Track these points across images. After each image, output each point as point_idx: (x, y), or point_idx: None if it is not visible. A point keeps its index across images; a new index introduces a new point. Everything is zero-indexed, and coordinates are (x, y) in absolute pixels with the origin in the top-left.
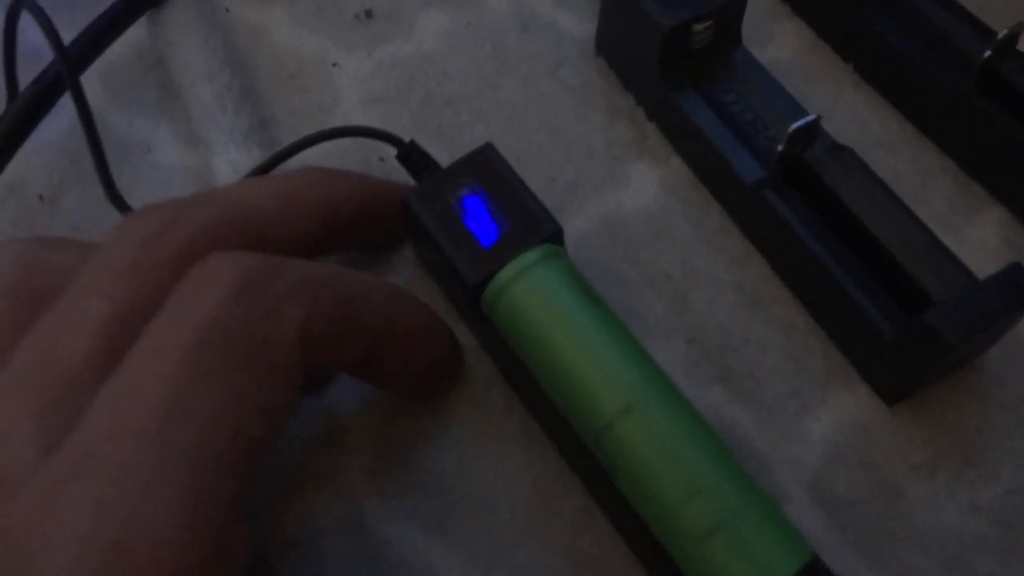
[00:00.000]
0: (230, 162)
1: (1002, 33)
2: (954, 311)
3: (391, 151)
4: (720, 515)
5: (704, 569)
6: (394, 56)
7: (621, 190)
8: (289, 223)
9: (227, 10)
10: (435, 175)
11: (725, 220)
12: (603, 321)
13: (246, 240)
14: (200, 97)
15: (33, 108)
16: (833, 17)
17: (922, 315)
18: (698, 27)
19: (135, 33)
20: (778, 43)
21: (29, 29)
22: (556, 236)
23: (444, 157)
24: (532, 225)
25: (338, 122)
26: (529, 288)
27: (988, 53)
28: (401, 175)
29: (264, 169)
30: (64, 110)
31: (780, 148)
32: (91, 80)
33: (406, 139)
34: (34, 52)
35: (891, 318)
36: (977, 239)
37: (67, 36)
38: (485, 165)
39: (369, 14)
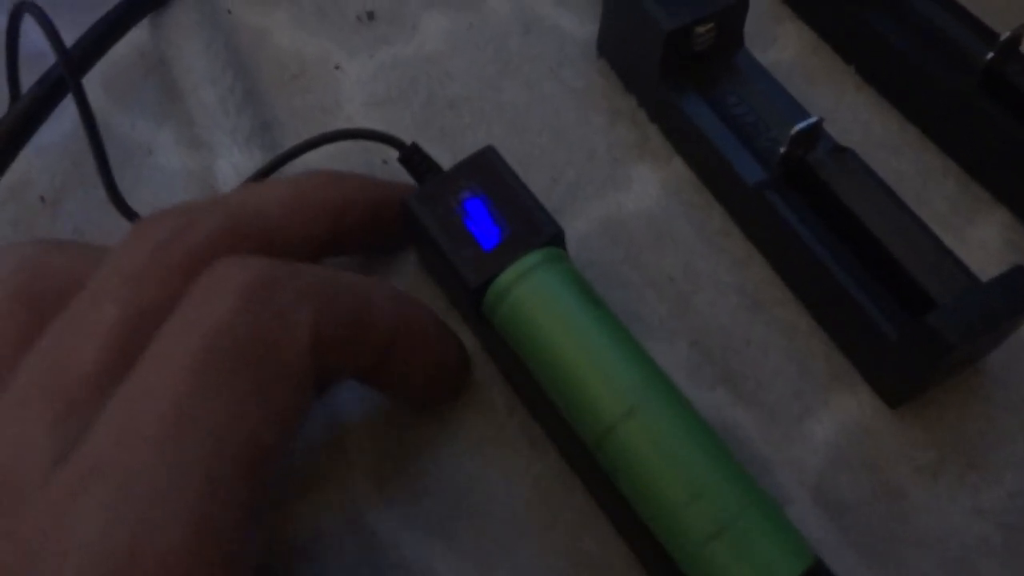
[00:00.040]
0: (232, 164)
1: (1005, 35)
2: (956, 313)
3: (394, 153)
4: (722, 518)
5: (706, 572)
6: (396, 58)
7: (623, 192)
8: (298, 227)
9: (229, 12)
10: (436, 178)
11: (727, 222)
12: (605, 323)
13: (255, 245)
14: (202, 99)
15: (35, 110)
16: (835, 19)
17: (924, 317)
18: (700, 29)
19: (137, 35)
20: (780, 45)
21: (31, 31)
22: (557, 238)
23: (446, 159)
24: (533, 228)
25: (340, 124)
26: (530, 291)
27: (991, 55)
28: (404, 177)
29: (266, 172)
30: (66, 112)
31: (782, 150)
32: (93, 82)
33: (408, 141)
34: (36, 54)
35: (893, 320)
36: (979, 240)
37: (69, 38)
38: (486, 168)
39: (371, 16)
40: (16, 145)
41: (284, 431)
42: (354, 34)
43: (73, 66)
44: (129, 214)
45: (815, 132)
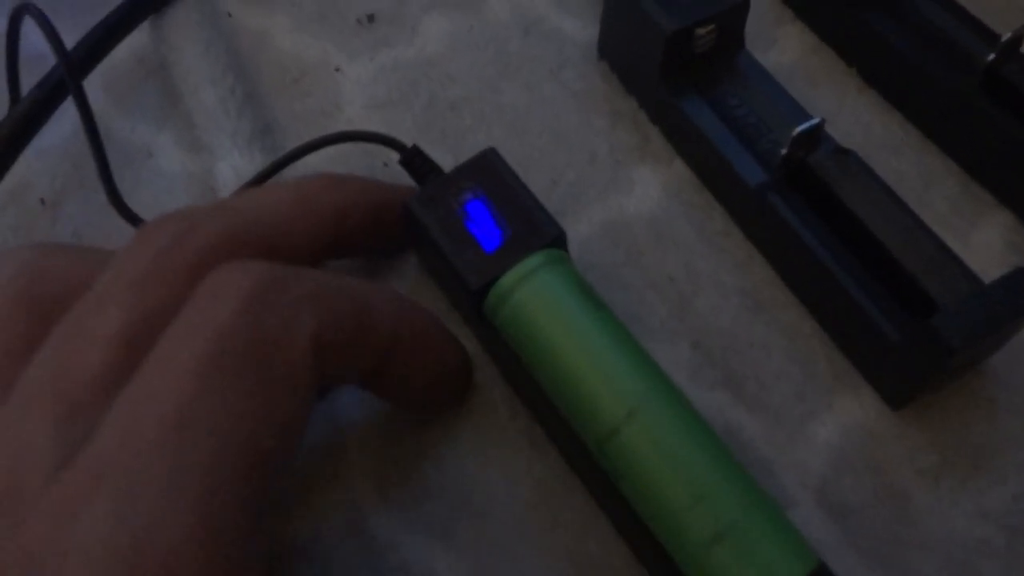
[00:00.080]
0: (233, 167)
1: (1006, 36)
2: (959, 316)
3: (394, 155)
4: (724, 520)
5: (708, 575)
6: (396, 60)
7: (624, 194)
8: (300, 231)
9: (229, 15)
10: (437, 180)
11: (728, 224)
12: (606, 325)
13: (258, 250)
14: (203, 102)
15: (36, 113)
16: (836, 20)
17: (928, 320)
18: (701, 31)
19: (137, 38)
20: (781, 47)
21: (31, 33)
22: (559, 240)
23: (447, 161)
24: (535, 229)
25: (341, 127)
26: (532, 293)
27: (992, 56)
28: (405, 180)
29: (267, 174)
30: (67, 115)
31: (784, 151)
32: (93, 85)
33: (409, 143)
34: (37, 56)
35: (896, 322)
36: (981, 242)
37: (69, 41)
38: (488, 169)
39: (371, 18)
40: (16, 148)
41: (286, 434)
42: (354, 37)
43: (74, 68)
44: (130, 217)
45: (816, 133)
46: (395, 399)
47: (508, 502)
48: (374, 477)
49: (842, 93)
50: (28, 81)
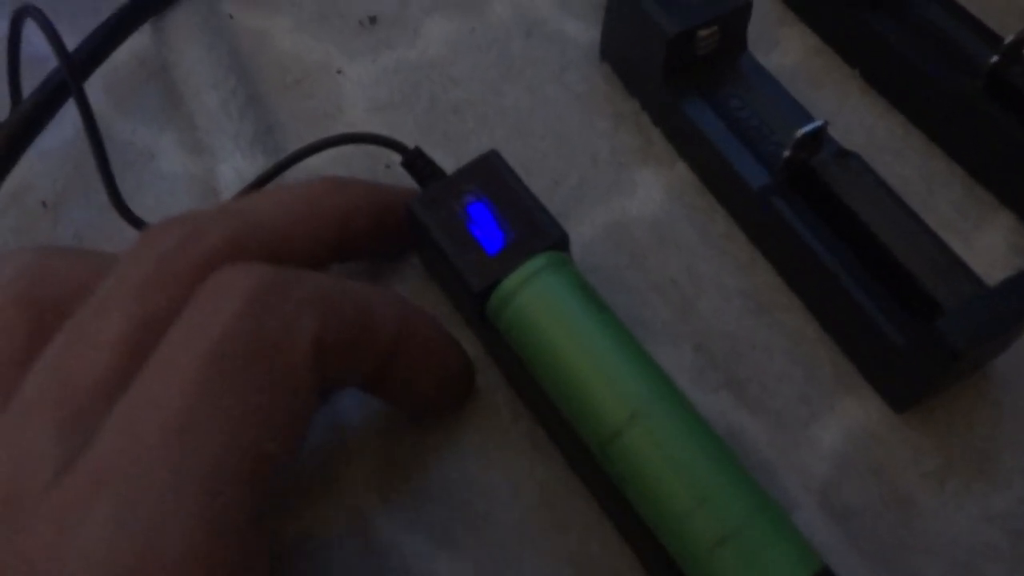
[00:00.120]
0: (235, 169)
1: (1009, 38)
2: (963, 318)
3: (396, 157)
4: (728, 524)
5: None
6: (398, 62)
7: (626, 196)
8: (303, 235)
9: (230, 16)
10: (440, 182)
11: (731, 226)
12: (609, 328)
13: (262, 254)
14: (205, 104)
15: (37, 115)
16: (838, 22)
17: (931, 322)
18: (703, 33)
19: (138, 40)
20: (783, 49)
21: (32, 35)
22: (562, 243)
23: (450, 163)
24: (537, 232)
25: (343, 129)
26: (535, 295)
27: (995, 58)
28: (407, 182)
29: (270, 176)
30: (68, 117)
31: (787, 154)
32: (94, 87)
33: (411, 146)
34: (37, 58)
35: (900, 325)
36: (985, 245)
37: (70, 43)
38: (490, 172)
39: (373, 20)
40: (18, 150)
41: (288, 437)
42: (356, 38)
43: (75, 70)
44: (132, 219)
45: (819, 136)
46: (397, 402)
47: (510, 504)
48: (375, 479)
49: (844, 95)
50: (29, 83)
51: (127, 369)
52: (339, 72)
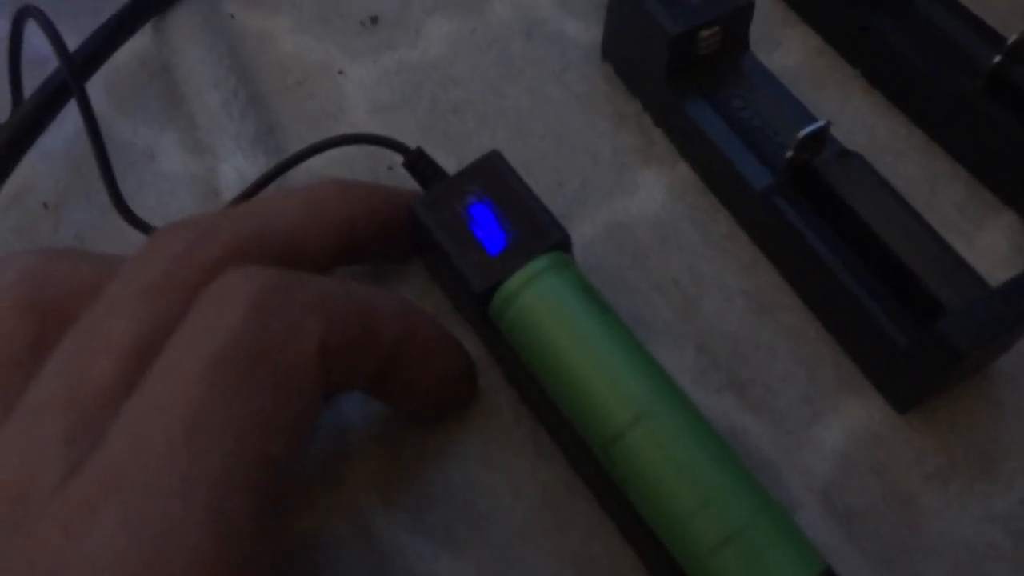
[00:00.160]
0: (237, 169)
1: (1013, 38)
2: (967, 319)
3: (398, 158)
4: (731, 525)
5: None
6: (400, 63)
7: (628, 196)
8: (313, 239)
9: (232, 17)
10: (442, 183)
11: (733, 226)
12: (612, 329)
13: (270, 259)
14: (206, 104)
15: (38, 115)
16: (840, 22)
17: (934, 323)
18: (705, 33)
19: (139, 41)
20: (785, 49)
21: (33, 36)
22: (564, 243)
23: (451, 164)
24: (539, 232)
25: (345, 129)
26: (537, 296)
27: (998, 58)
28: (409, 183)
29: (271, 176)
30: (69, 118)
31: (789, 154)
32: (95, 88)
33: (412, 146)
34: (38, 59)
35: (902, 325)
36: (987, 245)
37: (71, 44)
38: (492, 172)
39: (374, 21)
40: (19, 151)
41: (294, 440)
42: (357, 39)
43: (76, 71)
44: (134, 220)
45: (822, 136)
46: (399, 404)
47: (512, 505)
48: (377, 481)
49: (847, 95)
50: (29, 84)
51: (135, 373)
52: (340, 73)
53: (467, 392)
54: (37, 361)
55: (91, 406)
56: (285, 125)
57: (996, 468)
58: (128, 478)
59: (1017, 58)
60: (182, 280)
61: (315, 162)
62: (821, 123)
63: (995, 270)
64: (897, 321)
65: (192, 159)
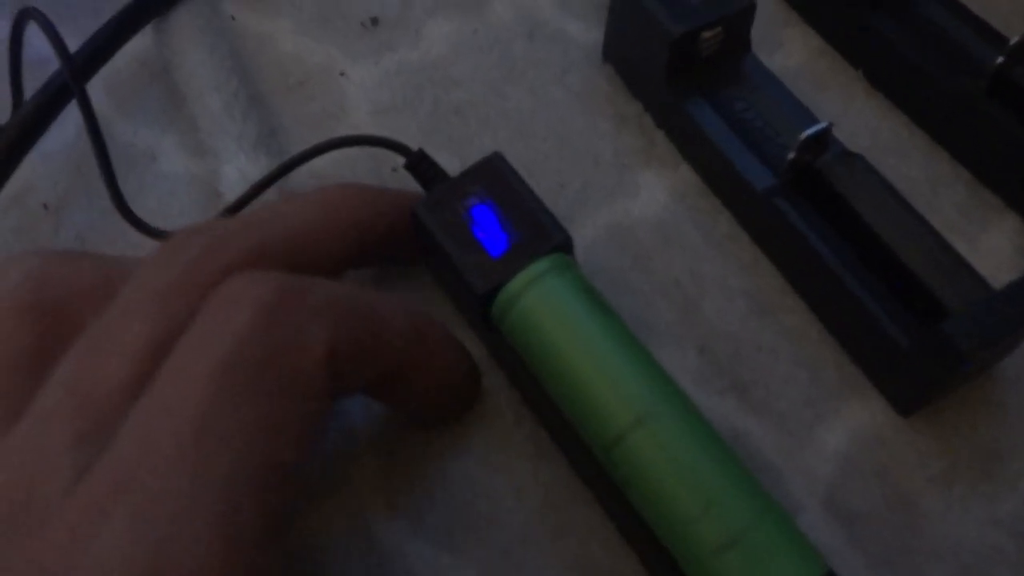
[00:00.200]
0: (239, 170)
1: (1015, 39)
2: (970, 321)
3: (403, 161)
4: (734, 529)
5: None
6: (401, 64)
7: (630, 198)
8: (326, 245)
9: (232, 18)
10: (443, 184)
11: (735, 228)
12: (614, 331)
13: (284, 264)
14: (207, 106)
15: (39, 117)
16: (842, 23)
17: (937, 325)
18: (707, 34)
19: (140, 42)
20: (787, 50)
21: (33, 37)
22: (566, 245)
23: (453, 165)
24: (541, 234)
25: (346, 131)
26: (539, 298)
27: (1000, 59)
28: (414, 185)
29: (274, 177)
30: (69, 119)
31: (791, 155)
32: (95, 89)
33: (414, 148)
34: (39, 60)
35: (905, 328)
36: (990, 247)
37: (71, 45)
38: (494, 174)
39: (375, 22)
40: (20, 152)
41: (302, 444)
42: (358, 40)
43: (77, 72)
44: (135, 221)
45: (824, 138)
46: (402, 406)
47: (513, 508)
48: (379, 483)
49: (849, 96)
50: (30, 86)
51: (147, 375)
52: (342, 74)
53: (471, 395)
54: (41, 363)
55: (102, 409)
56: (287, 127)
57: (999, 471)
58: (136, 480)
59: (1019, 59)
60: (196, 285)
61: (318, 164)
62: (823, 124)
63: (998, 272)
64: (899, 323)
65: (193, 160)
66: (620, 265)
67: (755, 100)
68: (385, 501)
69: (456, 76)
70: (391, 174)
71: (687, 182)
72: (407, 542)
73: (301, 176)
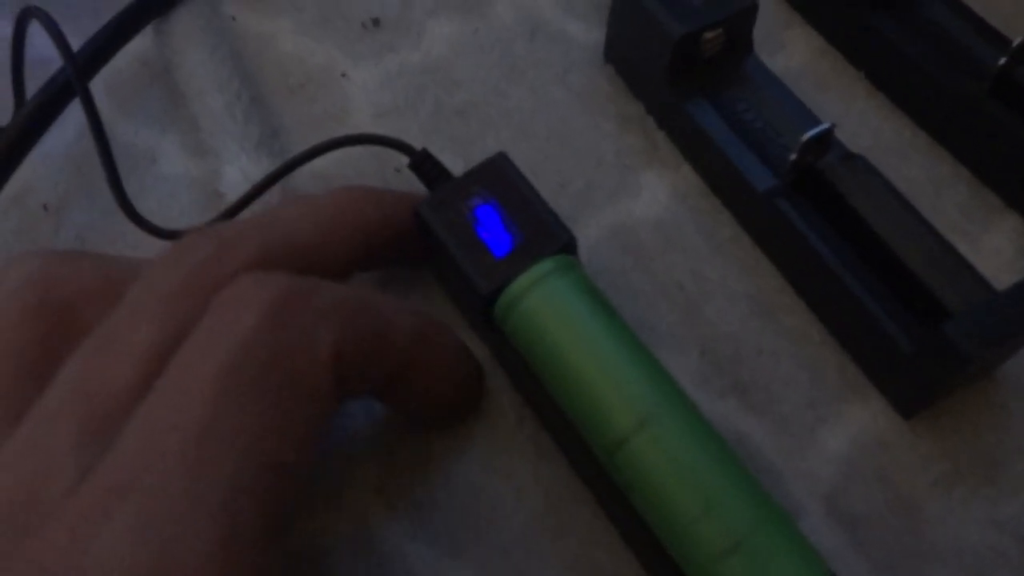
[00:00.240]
0: (241, 171)
1: (1018, 40)
2: (972, 323)
3: (406, 161)
4: (736, 532)
5: None
6: (402, 65)
7: (632, 199)
8: (333, 249)
9: (233, 19)
10: (447, 184)
11: (736, 229)
12: (616, 333)
13: (292, 266)
14: (208, 106)
15: (40, 116)
16: (844, 24)
17: (940, 327)
18: (709, 35)
19: (140, 42)
20: (789, 51)
21: (33, 37)
22: (569, 246)
23: (456, 166)
24: (545, 235)
25: (348, 132)
26: (542, 299)
27: (1003, 60)
28: (417, 186)
29: (276, 177)
30: (70, 119)
31: (793, 157)
32: (96, 89)
33: (418, 147)
34: (39, 60)
35: (907, 330)
36: (992, 248)
37: (73, 45)
38: (498, 174)
39: (376, 23)
40: (21, 152)
41: (306, 447)
42: (359, 41)
43: (80, 71)
44: (140, 221)
45: (826, 139)
46: (405, 408)
47: (515, 510)
48: (381, 486)
49: (851, 97)
50: (30, 86)
51: (152, 376)
52: (343, 75)
53: (474, 397)
54: (44, 364)
55: (107, 409)
56: (289, 128)
57: (1001, 473)
58: (139, 481)
59: (1022, 60)
60: (203, 287)
61: (320, 164)
62: (825, 126)
63: (1000, 273)
64: (901, 325)
65: (194, 161)
66: (621, 266)
67: (757, 101)
68: (386, 502)
69: (457, 77)
70: (394, 175)
71: (689, 183)
72: (407, 543)
73: (303, 177)
